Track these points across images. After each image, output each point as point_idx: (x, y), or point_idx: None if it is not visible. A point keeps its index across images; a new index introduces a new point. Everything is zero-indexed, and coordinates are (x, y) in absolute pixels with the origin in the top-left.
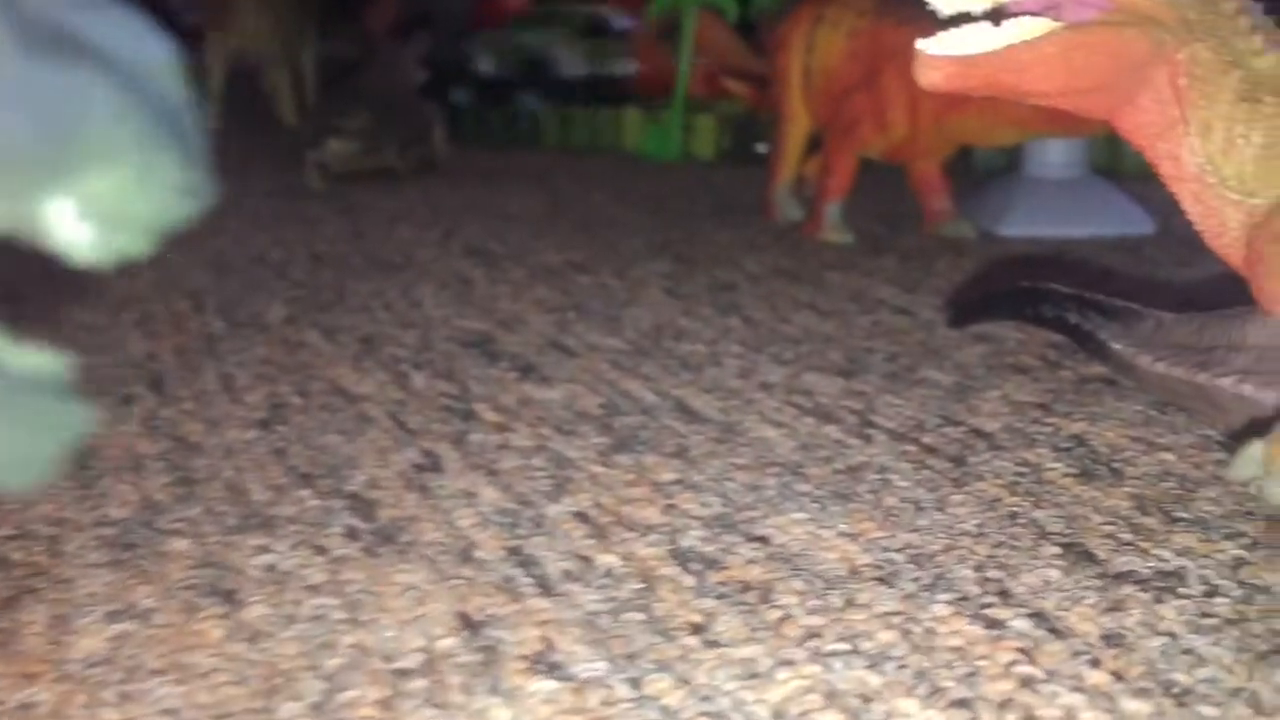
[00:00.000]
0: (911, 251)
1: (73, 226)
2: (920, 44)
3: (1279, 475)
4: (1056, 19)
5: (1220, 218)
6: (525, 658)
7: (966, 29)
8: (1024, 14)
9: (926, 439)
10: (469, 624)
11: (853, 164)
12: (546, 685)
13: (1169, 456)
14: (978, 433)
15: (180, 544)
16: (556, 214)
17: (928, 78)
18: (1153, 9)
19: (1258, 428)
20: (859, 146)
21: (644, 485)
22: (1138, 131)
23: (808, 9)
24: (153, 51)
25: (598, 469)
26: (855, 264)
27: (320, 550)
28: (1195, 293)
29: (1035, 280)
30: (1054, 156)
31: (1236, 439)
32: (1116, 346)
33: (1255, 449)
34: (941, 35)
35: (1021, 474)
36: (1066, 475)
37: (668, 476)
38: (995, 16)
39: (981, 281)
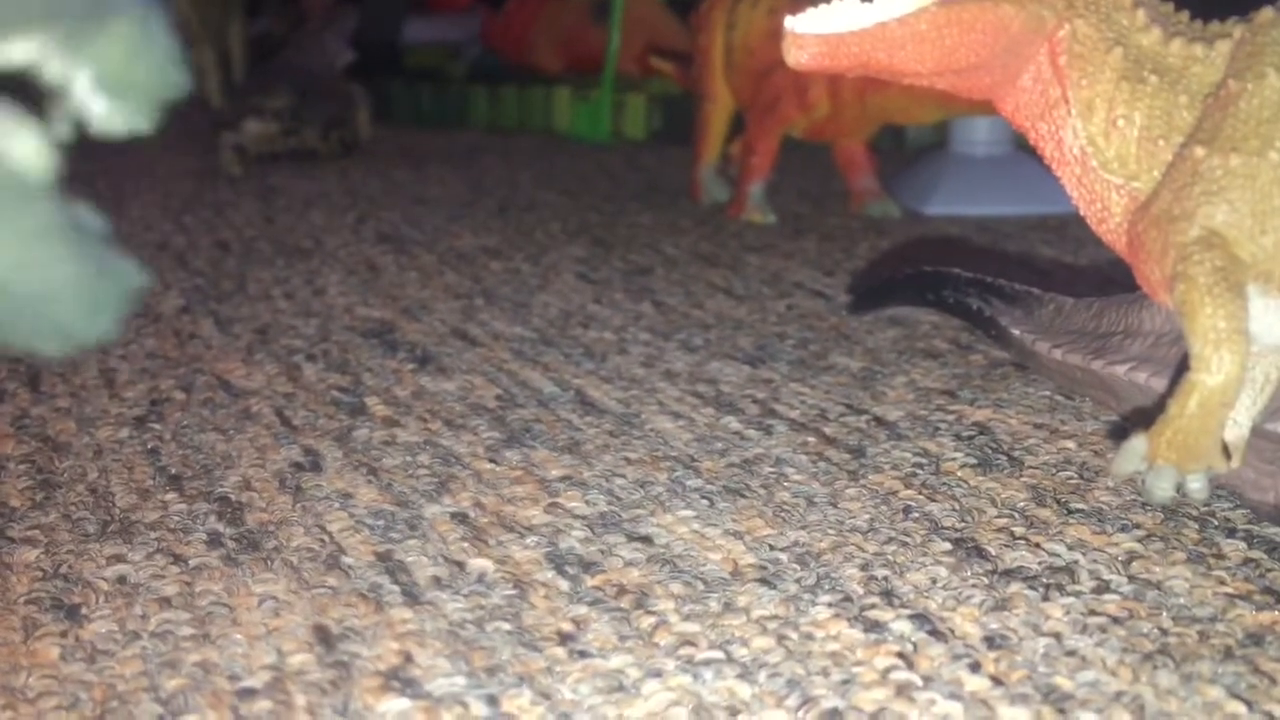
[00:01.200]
0: (834, 232)
1: (88, 93)
2: (788, 21)
3: (1162, 471)
4: None
5: (1103, 202)
6: (380, 674)
7: (837, 5)
8: None
9: (828, 429)
10: (325, 638)
11: (775, 144)
12: (398, 705)
13: (1070, 445)
14: (880, 421)
15: (30, 554)
16: (477, 197)
17: (795, 57)
18: None
19: (1140, 420)
20: (781, 125)
21: (530, 483)
22: (1019, 112)
23: None
24: None
25: (484, 466)
26: (776, 246)
27: (178, 559)
28: (1115, 274)
29: (938, 264)
30: (981, 134)
31: (1119, 432)
32: (1016, 332)
33: (1138, 443)
34: (811, 11)
35: (920, 465)
36: (965, 466)
37: (556, 473)
38: None
39: (885, 265)
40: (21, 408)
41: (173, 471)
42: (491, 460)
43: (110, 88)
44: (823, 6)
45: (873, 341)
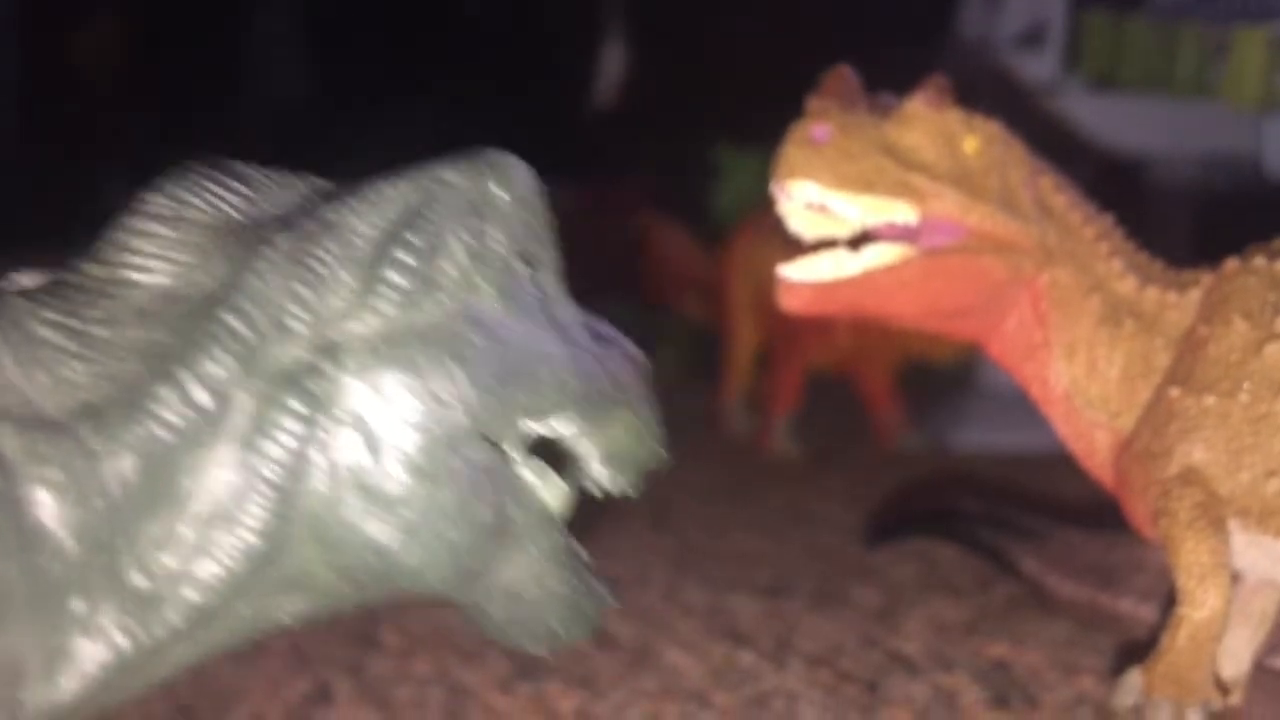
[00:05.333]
0: (858, 465)
1: (598, 466)
2: (781, 269)
3: (1159, 704)
4: (914, 245)
5: (1089, 439)
6: None
7: (825, 255)
8: (884, 240)
9: (843, 663)
10: None
11: (799, 376)
12: None
13: (1087, 681)
14: (896, 656)
15: None
16: None
17: (789, 303)
18: (1010, 236)
19: (1140, 653)
20: (804, 359)
21: (541, 716)
22: (1006, 355)
23: (752, 222)
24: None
25: (496, 699)
26: (799, 479)
27: None
28: None
29: (953, 498)
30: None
31: (1121, 666)
32: (1026, 567)
33: (1134, 677)
34: (801, 261)
35: (934, 701)
36: (980, 702)
37: (567, 706)
38: (857, 242)
39: (901, 498)
40: None
41: (184, 702)
42: (503, 693)
43: (613, 461)
44: (813, 255)
45: (893, 575)
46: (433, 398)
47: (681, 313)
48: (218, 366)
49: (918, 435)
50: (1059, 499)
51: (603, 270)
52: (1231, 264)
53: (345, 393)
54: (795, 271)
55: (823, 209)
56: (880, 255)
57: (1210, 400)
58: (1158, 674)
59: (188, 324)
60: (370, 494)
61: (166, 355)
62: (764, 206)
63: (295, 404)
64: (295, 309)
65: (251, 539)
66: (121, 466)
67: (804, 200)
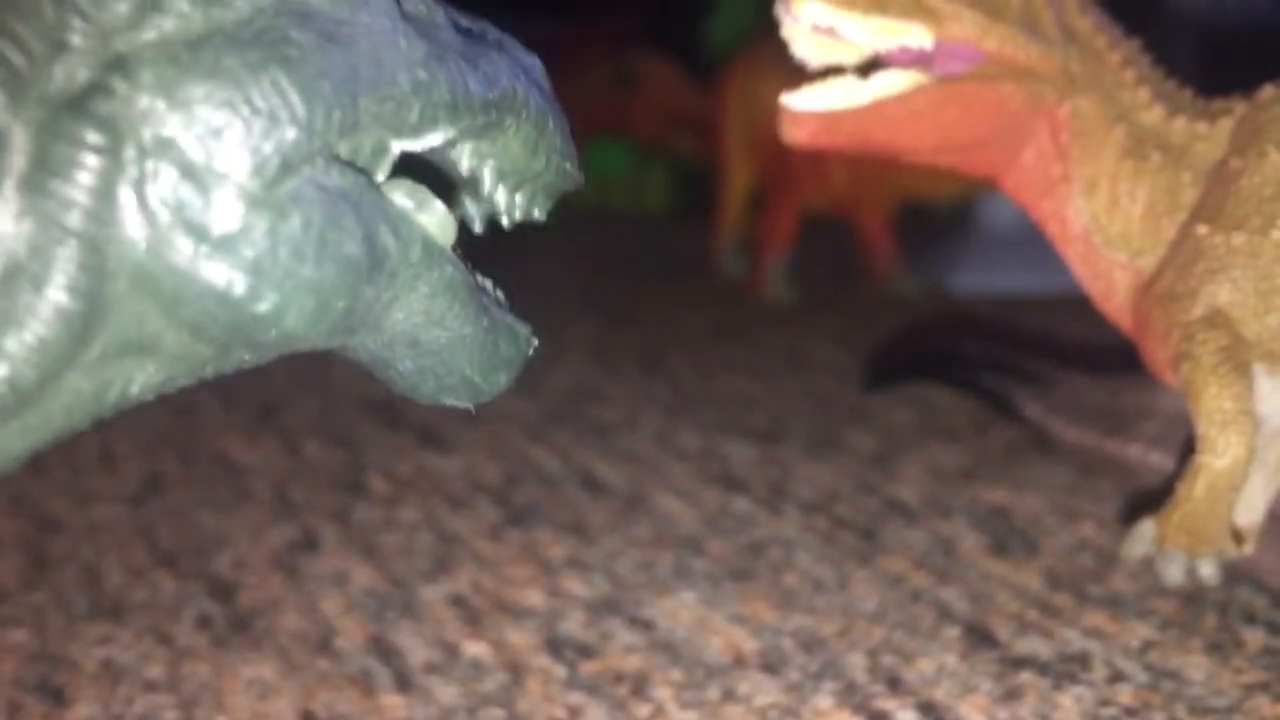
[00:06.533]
0: (854, 309)
1: (497, 189)
2: (785, 98)
3: (1171, 554)
4: (928, 72)
5: (1108, 280)
6: None
7: (833, 83)
8: (895, 67)
9: (840, 510)
10: None
11: (794, 217)
12: None
13: (1088, 528)
14: (893, 502)
15: (19, 635)
16: (491, 272)
17: (792, 135)
18: (1031, 61)
19: (1150, 502)
20: (799, 201)
21: (531, 564)
22: (1022, 190)
23: (748, 55)
24: (532, 59)
25: (485, 546)
26: (794, 322)
27: (166, 640)
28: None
29: (952, 341)
30: (1006, 207)
31: (1131, 514)
32: (1030, 412)
33: (1146, 527)
34: (807, 89)
35: (933, 548)
36: (979, 549)
37: (558, 554)
38: (867, 69)
39: (903, 342)
40: (20, 486)
41: (166, 550)
42: (492, 541)
43: (512, 182)
44: (820, 84)
45: (889, 420)
46: (255, 111)
47: (672, 152)
48: None
49: (915, 278)
50: (1062, 342)
51: (591, 109)
52: (1268, 91)
53: (147, 114)
54: (800, 100)
55: (830, 32)
56: (892, 83)
57: (1240, 238)
58: (1172, 524)
59: None
60: (200, 233)
61: None
62: (760, 38)
63: (85, 133)
64: (68, 17)
65: (62, 298)
66: None
67: (811, 22)
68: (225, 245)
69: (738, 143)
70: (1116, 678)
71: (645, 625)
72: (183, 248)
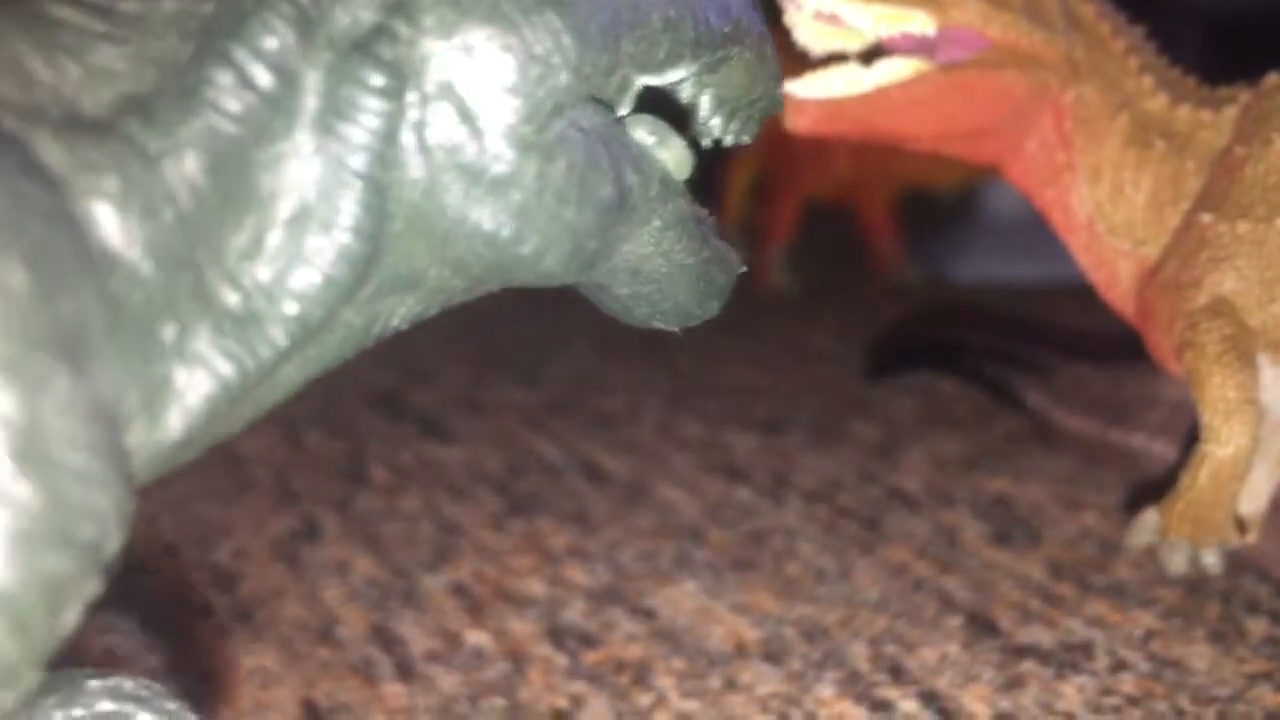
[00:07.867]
0: (856, 298)
1: (714, 117)
2: (788, 85)
3: (1175, 544)
4: (931, 59)
5: (1111, 268)
6: None
7: (836, 70)
8: (898, 54)
9: (842, 499)
10: (314, 713)
11: (795, 206)
12: None
13: (1091, 517)
14: (896, 492)
15: None
16: None
17: (794, 122)
18: (1034, 48)
19: (1153, 492)
20: (801, 189)
21: (533, 553)
22: (1025, 178)
23: None
24: None
25: (486, 535)
26: (796, 312)
27: (167, 629)
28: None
29: (955, 331)
30: (1009, 195)
31: (1134, 503)
32: (1033, 401)
33: (1149, 516)
34: (809, 77)
35: (935, 537)
36: (982, 538)
37: (560, 543)
38: (869, 57)
39: (906, 332)
40: None
41: (168, 539)
42: (494, 530)
43: (728, 109)
44: (822, 71)
45: (891, 409)
46: (531, 56)
47: None
48: (274, 38)
49: (917, 267)
50: (1065, 331)
51: None
52: (1272, 79)
53: (428, 58)
54: (803, 88)
55: (833, 19)
56: (895, 70)
57: (1245, 227)
58: (1176, 513)
59: None
60: (473, 176)
61: (212, 29)
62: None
63: (372, 76)
64: None
65: (348, 239)
66: (185, 167)
67: (813, 9)
68: (496, 188)
69: None
70: (1119, 667)
71: (647, 614)
72: (456, 190)
